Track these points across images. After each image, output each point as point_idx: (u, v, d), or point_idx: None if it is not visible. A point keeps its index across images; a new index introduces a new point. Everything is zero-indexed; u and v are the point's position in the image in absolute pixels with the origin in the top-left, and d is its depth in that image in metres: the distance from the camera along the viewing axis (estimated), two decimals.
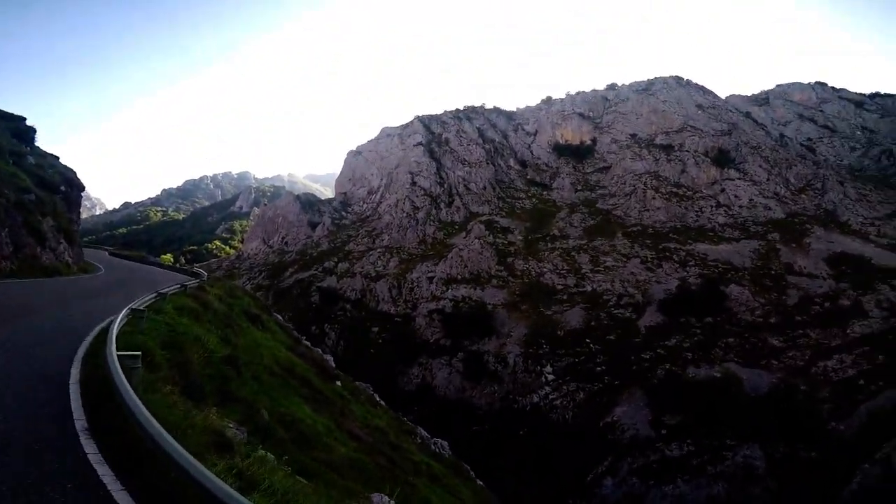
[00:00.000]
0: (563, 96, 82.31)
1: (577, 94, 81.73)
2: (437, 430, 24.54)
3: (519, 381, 34.66)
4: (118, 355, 6.75)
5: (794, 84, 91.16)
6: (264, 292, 56.32)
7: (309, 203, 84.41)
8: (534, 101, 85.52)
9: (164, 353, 8.70)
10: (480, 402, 33.54)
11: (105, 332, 9.23)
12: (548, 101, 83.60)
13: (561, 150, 72.20)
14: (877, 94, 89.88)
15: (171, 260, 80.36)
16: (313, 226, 76.94)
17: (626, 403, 30.57)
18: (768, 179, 60.49)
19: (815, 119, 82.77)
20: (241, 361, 9.72)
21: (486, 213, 62.20)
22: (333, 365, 20.05)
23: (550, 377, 34.48)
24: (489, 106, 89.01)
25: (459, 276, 51.22)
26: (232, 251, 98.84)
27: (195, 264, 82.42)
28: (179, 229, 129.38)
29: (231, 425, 7.33)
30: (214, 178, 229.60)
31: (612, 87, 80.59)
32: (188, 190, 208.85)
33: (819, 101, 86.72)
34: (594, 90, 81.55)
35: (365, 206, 79.82)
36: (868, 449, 21.52)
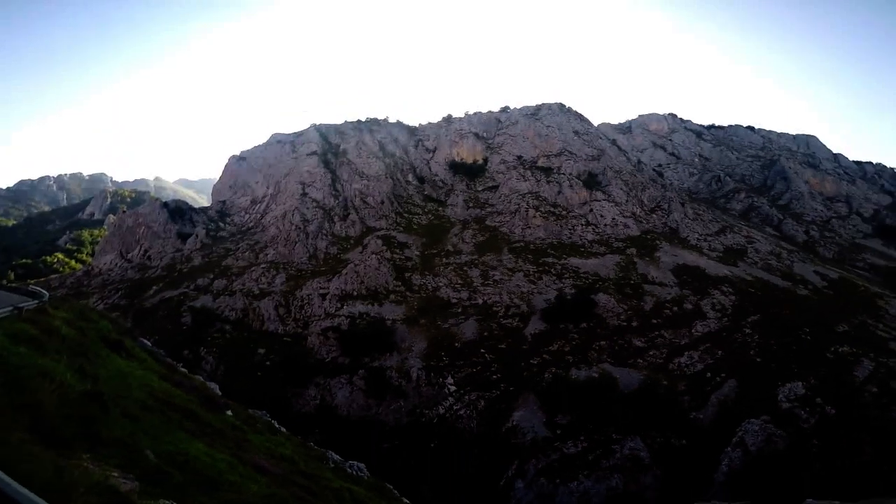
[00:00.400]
0: (462, 115, 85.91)
1: (475, 114, 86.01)
2: (345, 452, 23.88)
3: (423, 394, 35.17)
4: None
5: (651, 115, 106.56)
6: (122, 314, 49.47)
7: (179, 211, 76.28)
8: (436, 117, 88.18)
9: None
10: (387, 419, 33.33)
11: None
12: (448, 119, 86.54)
13: (457, 167, 75.16)
14: (712, 126, 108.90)
15: None
16: (184, 237, 69.68)
17: (523, 408, 32.75)
18: (627, 201, 69.53)
19: (665, 147, 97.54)
20: (107, 397, 8.61)
21: (384, 228, 62.23)
22: (219, 392, 18.54)
23: (452, 388, 35.57)
24: (392, 119, 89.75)
25: (356, 292, 50.43)
26: (79, 266, 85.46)
27: (29, 281, 69.57)
28: (9, 238, 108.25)
29: (115, 474, 6.28)
30: (59, 179, 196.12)
31: (504, 109, 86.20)
32: (23, 192, 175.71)
33: (670, 130, 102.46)
34: (489, 111, 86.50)
35: (247, 216, 74.69)
36: (725, 434, 25.90)
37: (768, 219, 75.58)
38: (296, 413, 34.81)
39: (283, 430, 19.61)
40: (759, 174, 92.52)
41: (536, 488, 25.38)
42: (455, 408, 34.08)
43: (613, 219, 66.32)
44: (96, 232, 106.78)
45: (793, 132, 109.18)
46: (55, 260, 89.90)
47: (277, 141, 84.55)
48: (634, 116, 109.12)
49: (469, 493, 25.67)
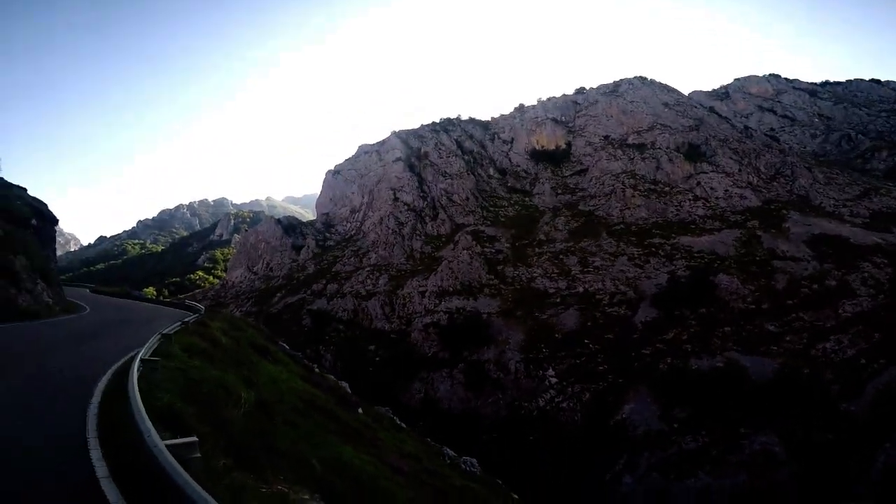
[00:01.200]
0: (535, 103, 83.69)
1: (549, 99, 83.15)
2: (447, 444, 23.85)
3: (522, 386, 34.15)
4: (168, 445, 4.93)
5: (750, 77, 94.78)
6: (253, 319, 54.97)
7: (291, 226, 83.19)
8: (507, 109, 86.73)
9: (193, 410, 7.16)
10: (486, 412, 32.87)
11: (115, 392, 7.64)
12: (521, 108, 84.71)
13: (538, 155, 73.03)
14: (827, 83, 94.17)
15: (154, 293, 78.03)
16: (297, 249, 75.76)
17: (634, 400, 30.29)
18: (740, 170, 62.06)
19: (775, 110, 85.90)
20: (270, 406, 8.97)
21: (472, 224, 62.09)
22: (349, 391, 19.12)
23: (553, 380, 34.06)
24: (465, 117, 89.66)
25: (451, 288, 50.73)
26: (216, 280, 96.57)
27: (179, 296, 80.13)
28: (159, 262, 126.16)
29: (306, 496, 6.17)
30: (191, 206, 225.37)
31: (580, 90, 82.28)
32: (164, 220, 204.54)
33: (776, 92, 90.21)
34: (564, 95, 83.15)
35: (348, 225, 79.01)
36: (883, 427, 21.62)
37: None
38: (403, 406, 35.70)
39: (404, 426, 19.85)
40: None
41: (647, 483, 23.17)
42: (557, 400, 32.57)
43: (726, 190, 59.57)
44: (226, 250, 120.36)
45: None
46: (197, 277, 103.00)
47: (364, 152, 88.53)
48: (729, 81, 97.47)
49: (572, 488, 24.15)
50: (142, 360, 8.89)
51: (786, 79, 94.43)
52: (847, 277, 40.12)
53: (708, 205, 58.35)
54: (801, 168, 59.69)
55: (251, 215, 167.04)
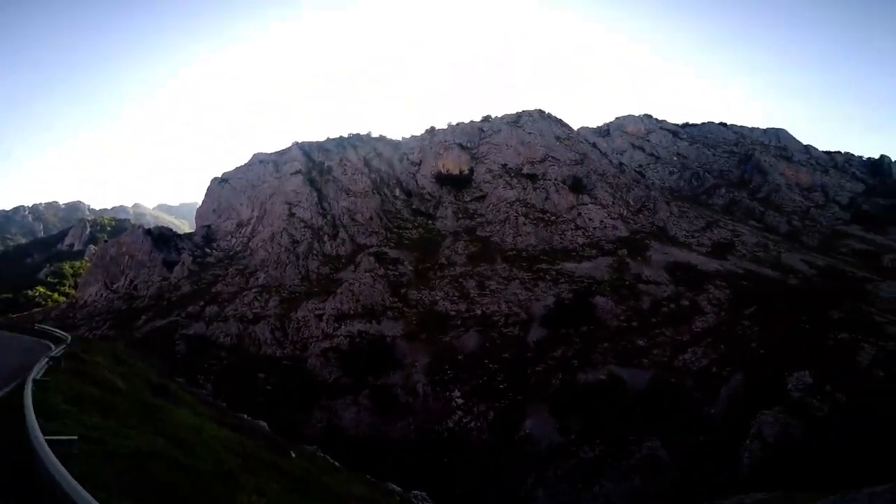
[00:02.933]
0: (445, 126, 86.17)
1: (458, 125, 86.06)
2: (356, 471, 23.25)
3: (431, 409, 34.59)
4: None
5: (627, 117, 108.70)
6: (112, 344, 47.93)
7: (163, 238, 74.62)
8: (418, 130, 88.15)
9: None
10: (396, 436, 32.63)
11: None
12: (431, 131, 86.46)
13: (443, 179, 75.15)
14: (686, 124, 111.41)
15: None
16: (170, 265, 68.16)
17: (533, 416, 32.39)
18: (613, 203, 70.29)
19: (644, 147, 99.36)
20: (227, 472, 7.87)
21: (375, 245, 61.69)
22: (268, 428, 17.67)
23: (460, 401, 35.06)
24: (375, 134, 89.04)
25: (352, 311, 49.70)
26: (62, 298, 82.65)
27: (10, 315, 67.09)
28: None
29: None
30: (35, 208, 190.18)
31: (486, 118, 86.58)
32: None
33: (647, 131, 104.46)
34: (471, 121, 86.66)
35: (234, 240, 73.42)
36: (740, 427, 25.83)
37: (750, 212, 77.17)
38: (304, 437, 33.87)
39: (337, 464, 18.52)
40: (736, 169, 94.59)
41: (559, 495, 24.98)
42: (465, 420, 33.59)
43: (602, 221, 66.92)
44: (77, 264, 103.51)
45: (762, 126, 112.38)
46: (37, 294, 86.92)
47: (260, 161, 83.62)
48: (611, 119, 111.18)
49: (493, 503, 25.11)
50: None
51: (656, 119, 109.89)
52: (696, 298, 47.38)
53: (587, 234, 64.98)
54: (661, 202, 69.49)
55: (113, 223, 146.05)
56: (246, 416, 18.05)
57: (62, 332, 25.93)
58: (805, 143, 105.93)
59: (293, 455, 13.21)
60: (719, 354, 36.09)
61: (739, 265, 55.13)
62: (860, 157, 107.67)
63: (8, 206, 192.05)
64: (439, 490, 24.31)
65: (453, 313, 48.90)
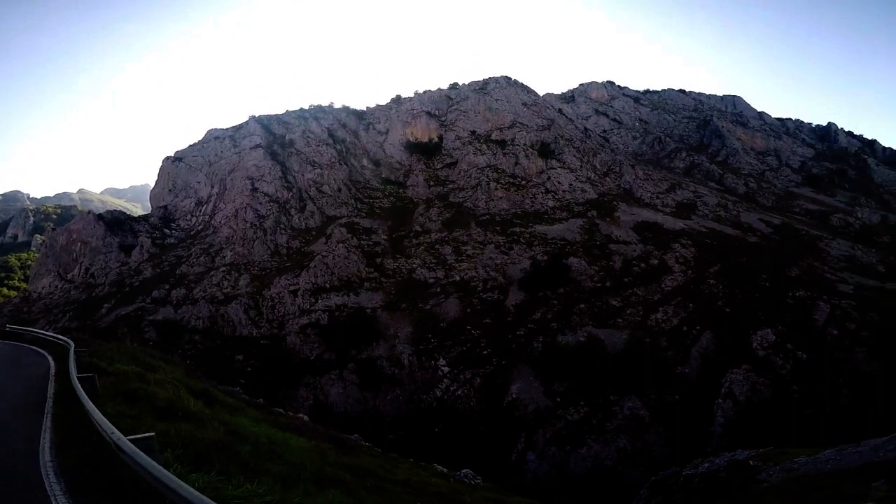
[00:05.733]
0: (412, 95, 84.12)
1: (425, 92, 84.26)
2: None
3: (418, 379, 34.93)
4: None
5: (591, 83, 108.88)
6: (73, 336, 45.41)
7: (117, 222, 70.19)
8: (383, 100, 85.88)
9: None
10: (387, 409, 32.87)
11: None
12: (397, 100, 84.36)
13: (412, 147, 73.80)
14: (647, 91, 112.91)
15: None
16: (127, 250, 64.50)
17: (519, 380, 33.29)
18: (581, 167, 71.08)
19: (608, 113, 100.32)
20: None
21: (345, 216, 60.30)
22: (309, 420, 16.68)
23: (446, 369, 35.53)
24: (338, 105, 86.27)
25: (328, 285, 48.86)
26: (13, 293, 77.41)
27: None
28: None
29: None
30: None
31: (454, 86, 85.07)
32: None
33: (610, 97, 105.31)
34: (439, 89, 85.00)
35: (194, 220, 70.03)
36: (712, 386, 27.40)
37: (710, 174, 79.95)
38: None
39: (378, 448, 17.35)
40: (695, 134, 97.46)
41: (549, 458, 26.02)
42: (452, 388, 34.14)
43: (571, 184, 67.71)
44: (25, 255, 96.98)
45: (719, 93, 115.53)
46: None
47: (215, 137, 79.04)
48: (575, 85, 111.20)
49: (482, 471, 25.90)
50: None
51: (619, 86, 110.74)
52: (664, 257, 49.16)
53: (557, 197, 65.69)
54: (626, 166, 70.78)
55: (59, 211, 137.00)
56: (282, 410, 17.20)
57: (61, 337, 21.44)
58: (759, 109, 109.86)
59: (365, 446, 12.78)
60: (688, 313, 37.90)
61: (703, 224, 57.37)
62: (809, 123, 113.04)
63: None
64: (434, 461, 24.96)
65: (432, 281, 48.93)
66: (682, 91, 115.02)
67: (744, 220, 59.39)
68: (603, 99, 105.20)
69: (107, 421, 6.88)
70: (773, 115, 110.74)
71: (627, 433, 26.13)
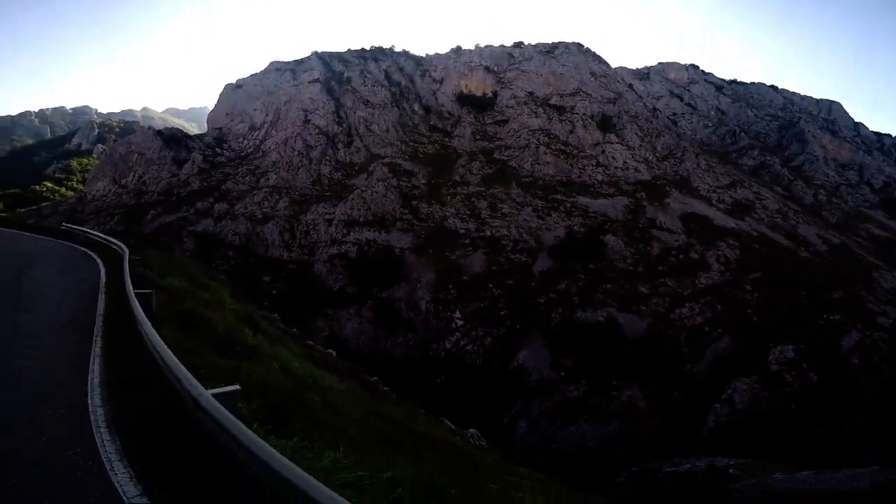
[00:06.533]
0: (472, 48, 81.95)
1: (486, 47, 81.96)
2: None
3: (432, 327, 35.80)
4: None
5: (672, 63, 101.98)
6: (120, 239, 48.46)
7: (174, 138, 72.23)
8: (444, 49, 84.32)
9: None
10: (396, 352, 34.08)
11: None
12: (457, 50, 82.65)
13: (464, 99, 72.72)
14: (734, 81, 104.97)
15: None
16: (180, 163, 66.60)
17: (529, 347, 33.63)
18: (640, 146, 67.72)
19: (682, 97, 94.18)
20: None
21: (390, 156, 60.40)
22: (336, 357, 16.64)
23: (460, 322, 36.18)
24: (398, 49, 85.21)
25: (362, 219, 49.70)
26: (70, 193, 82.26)
27: (19, 209, 67.34)
28: None
29: None
30: (41, 113, 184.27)
31: (518, 44, 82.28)
32: (3, 128, 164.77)
33: (689, 81, 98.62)
34: (502, 45, 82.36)
35: (245, 142, 71.58)
36: (716, 390, 26.89)
37: (778, 178, 74.63)
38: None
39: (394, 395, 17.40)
40: (775, 133, 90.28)
41: (540, 429, 26.58)
42: (462, 342, 34.87)
43: (625, 162, 64.92)
44: (85, 161, 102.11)
45: (816, 96, 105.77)
46: (45, 188, 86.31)
47: (276, 69, 79.68)
48: (654, 64, 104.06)
49: (476, 428, 26.83)
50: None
51: (702, 71, 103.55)
52: (706, 253, 47.19)
53: (608, 172, 63.28)
54: (689, 153, 66.97)
55: (122, 125, 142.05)
56: (310, 342, 17.34)
57: (103, 236, 21.19)
58: (858, 120, 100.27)
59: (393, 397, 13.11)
60: (714, 314, 36.74)
61: (755, 228, 54.35)
62: None
63: (14, 112, 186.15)
64: (432, 410, 26.01)
65: (462, 231, 48.95)
66: (773, 87, 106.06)
67: (801, 232, 55.79)
68: (681, 81, 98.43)
69: (180, 365, 5.42)
70: (871, 129, 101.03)
71: (619, 419, 26.32)
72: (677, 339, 34.01)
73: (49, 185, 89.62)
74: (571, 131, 66.22)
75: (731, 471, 11.03)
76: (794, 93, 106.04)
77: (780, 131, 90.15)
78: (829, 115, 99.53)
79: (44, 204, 72.26)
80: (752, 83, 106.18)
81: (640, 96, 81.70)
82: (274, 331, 12.97)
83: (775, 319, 35.51)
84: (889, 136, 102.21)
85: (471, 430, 15.58)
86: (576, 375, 29.93)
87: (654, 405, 27.40)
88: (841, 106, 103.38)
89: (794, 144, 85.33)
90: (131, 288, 9.67)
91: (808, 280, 42.31)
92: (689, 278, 43.47)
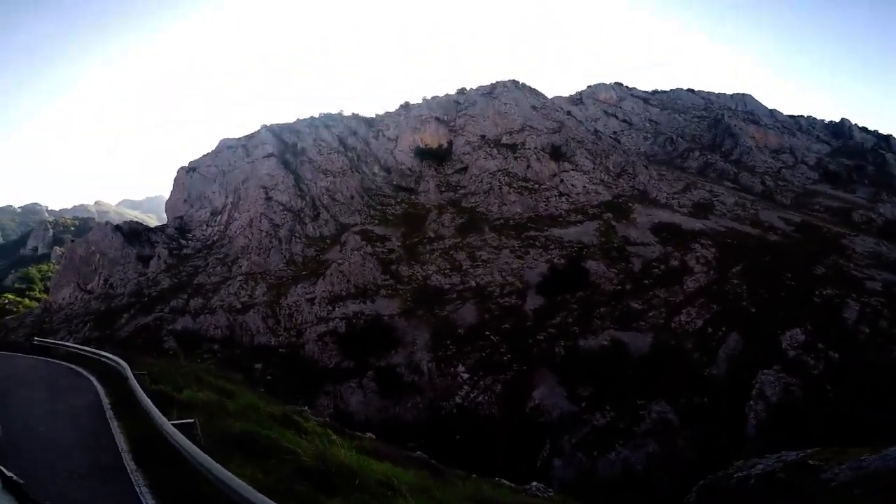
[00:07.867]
0: (420, 101, 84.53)
1: (433, 98, 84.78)
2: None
3: (437, 386, 34.51)
4: None
5: (599, 85, 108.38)
6: (96, 346, 45.80)
7: (134, 233, 71.10)
8: (392, 106, 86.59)
9: None
10: (407, 418, 32.47)
11: None
12: (406, 106, 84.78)
13: (422, 153, 73.99)
14: (656, 91, 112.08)
15: None
16: (145, 260, 65.18)
17: (541, 385, 32.71)
18: (594, 168, 70.41)
19: (617, 115, 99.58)
20: None
21: (359, 223, 60.33)
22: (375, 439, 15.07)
23: (465, 376, 35.08)
24: (347, 112, 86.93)
25: (344, 292, 48.71)
26: (34, 303, 78.69)
27: None
28: None
29: None
30: None
31: (461, 91, 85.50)
32: None
33: (618, 98, 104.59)
34: (447, 94, 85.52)
35: (209, 229, 70.52)
36: (741, 388, 26.58)
37: (724, 173, 78.76)
38: None
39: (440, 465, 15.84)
40: (707, 133, 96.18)
41: (576, 464, 25.38)
42: (472, 395, 33.66)
43: (584, 186, 67.07)
44: (45, 267, 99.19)
45: (728, 91, 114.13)
46: (7, 301, 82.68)
47: (228, 147, 79.99)
48: (583, 87, 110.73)
49: (510, 478, 25.33)
50: None
51: (626, 87, 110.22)
52: (685, 258, 48.27)
53: (571, 200, 65.08)
54: (640, 166, 70.06)
55: (77, 223, 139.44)
56: (357, 432, 15.73)
57: (91, 350, 18.49)
58: (769, 107, 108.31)
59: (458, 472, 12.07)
60: (713, 314, 37.05)
61: (721, 224, 56.40)
62: (822, 120, 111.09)
63: None
64: (458, 468, 24.50)
65: (447, 287, 48.57)
66: (690, 90, 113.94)
67: (763, 218, 58.27)
68: (612, 101, 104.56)
69: None
70: (784, 113, 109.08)
71: (658, 437, 25.44)
72: (684, 347, 33.87)
73: (11, 297, 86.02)
74: (528, 167, 68.37)
75: (810, 461, 10.55)
76: (709, 92, 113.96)
77: (710, 130, 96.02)
78: (746, 107, 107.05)
79: (8, 317, 68.49)
80: (672, 90, 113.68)
81: (580, 121, 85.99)
82: (313, 427, 11.60)
83: (773, 306, 36.07)
84: (802, 116, 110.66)
85: (533, 483, 14.55)
86: (597, 403, 29.08)
87: (685, 416, 26.71)
88: (752, 97, 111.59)
89: (727, 140, 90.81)
90: (165, 421, 7.94)
91: (788, 262, 43.64)
92: (677, 285, 44.05)
